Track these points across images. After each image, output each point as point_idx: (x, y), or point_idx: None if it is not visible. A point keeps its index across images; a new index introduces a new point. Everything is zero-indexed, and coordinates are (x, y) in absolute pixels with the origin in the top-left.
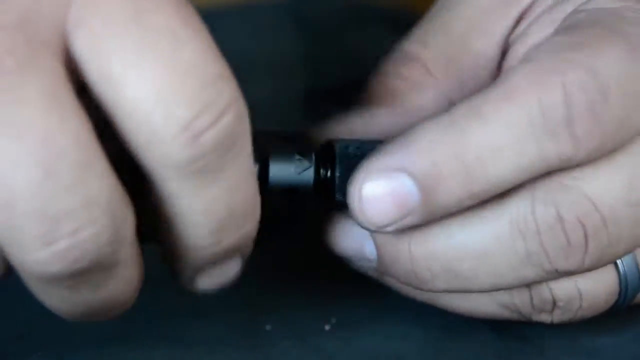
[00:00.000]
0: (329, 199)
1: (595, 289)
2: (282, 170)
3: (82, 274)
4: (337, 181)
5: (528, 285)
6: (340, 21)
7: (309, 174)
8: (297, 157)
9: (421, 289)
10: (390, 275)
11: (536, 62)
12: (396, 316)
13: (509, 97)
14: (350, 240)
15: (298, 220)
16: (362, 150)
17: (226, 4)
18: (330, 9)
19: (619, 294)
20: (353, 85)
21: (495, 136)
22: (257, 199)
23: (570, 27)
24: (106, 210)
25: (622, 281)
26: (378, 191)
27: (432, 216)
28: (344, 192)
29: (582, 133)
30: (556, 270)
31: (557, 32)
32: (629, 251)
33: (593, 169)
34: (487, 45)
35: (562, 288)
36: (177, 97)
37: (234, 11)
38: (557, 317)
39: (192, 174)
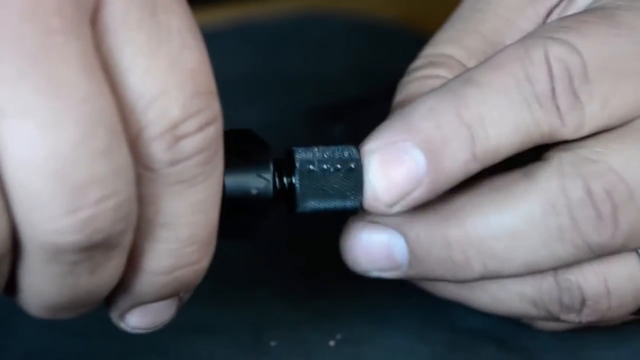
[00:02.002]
0: (292, 210)
1: (625, 287)
2: (239, 187)
3: (92, 249)
4: (297, 192)
5: (557, 279)
6: (344, 39)
7: (268, 186)
8: (254, 173)
9: (456, 280)
10: (422, 274)
11: (523, 39)
12: (401, 331)
13: (497, 66)
14: (377, 247)
15: (263, 235)
16: (323, 158)
17: (229, 22)
18: (333, 27)
19: None
20: (358, 103)
21: (490, 98)
22: (215, 232)
23: (567, 15)
24: (130, 182)
25: None
26: (385, 164)
27: (440, 185)
28: (305, 203)
29: (565, 107)
30: (588, 245)
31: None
32: None
33: (617, 143)
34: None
35: (591, 286)
36: (175, 96)
37: (237, 30)
38: (585, 317)
39: (170, 177)
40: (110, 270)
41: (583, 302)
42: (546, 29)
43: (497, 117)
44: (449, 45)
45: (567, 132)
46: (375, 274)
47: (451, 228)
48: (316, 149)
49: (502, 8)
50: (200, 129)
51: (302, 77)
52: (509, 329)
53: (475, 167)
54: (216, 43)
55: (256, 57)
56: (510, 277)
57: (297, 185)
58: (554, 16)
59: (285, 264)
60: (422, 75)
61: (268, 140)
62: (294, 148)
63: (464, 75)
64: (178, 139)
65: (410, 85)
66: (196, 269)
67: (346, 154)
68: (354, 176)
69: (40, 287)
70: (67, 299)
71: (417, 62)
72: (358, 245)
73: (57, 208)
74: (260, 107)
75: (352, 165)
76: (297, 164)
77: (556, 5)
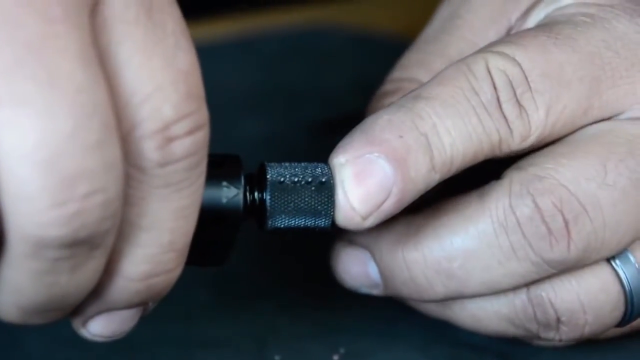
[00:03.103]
0: (262, 225)
1: (598, 300)
2: (210, 198)
3: (75, 246)
4: (268, 207)
5: (529, 296)
6: (346, 53)
7: (237, 200)
8: (225, 182)
9: (423, 300)
10: (394, 293)
11: (466, 57)
12: (404, 345)
13: (443, 81)
14: (355, 266)
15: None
16: (295, 174)
17: (232, 36)
18: (336, 41)
19: (625, 306)
20: (361, 116)
21: (440, 110)
22: (188, 243)
23: (514, 33)
24: (119, 179)
25: (628, 292)
26: (356, 175)
27: (407, 194)
28: (275, 218)
29: (511, 116)
30: (543, 261)
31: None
32: (622, 242)
33: (567, 158)
34: None
35: (563, 300)
36: (169, 95)
37: (240, 44)
38: (564, 334)
39: (157, 179)
40: (90, 271)
41: (558, 319)
42: (486, 45)
43: (450, 126)
44: (416, 69)
45: (515, 142)
46: (364, 290)
47: (409, 250)
48: (288, 165)
49: (467, 30)
50: (191, 132)
51: (304, 90)
52: (511, 344)
53: (435, 178)
54: (219, 56)
55: (259, 71)
56: (474, 296)
57: (268, 200)
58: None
59: (289, 278)
60: (390, 102)
61: (270, 153)
62: (266, 163)
63: (413, 93)
64: (169, 140)
65: (377, 105)
66: (169, 278)
67: (318, 170)
68: (326, 191)
69: (18, 284)
70: (44, 299)
71: (385, 87)
72: (340, 264)
73: (44, 200)
74: (263, 120)
75: (324, 180)
76: (269, 179)
77: (513, 26)
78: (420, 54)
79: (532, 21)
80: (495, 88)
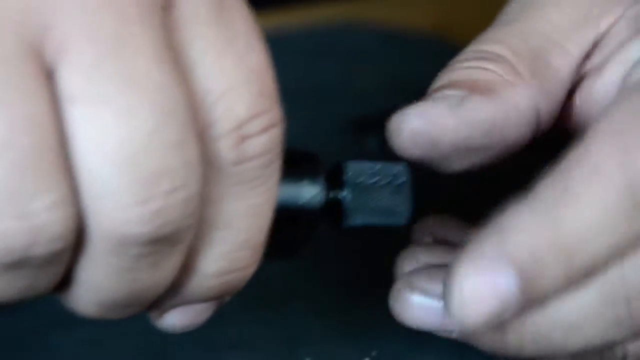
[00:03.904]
0: (338, 223)
1: None
2: (289, 196)
3: (158, 243)
4: (346, 205)
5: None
6: (376, 50)
7: (317, 199)
8: (305, 182)
9: (505, 355)
10: (471, 342)
11: (617, 135)
12: (437, 349)
13: (597, 174)
14: (430, 317)
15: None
16: (373, 173)
17: (261, 34)
18: (366, 38)
19: None
20: (392, 115)
21: (591, 217)
22: (264, 240)
23: None
24: (199, 177)
25: None
26: (479, 289)
27: (527, 309)
28: (352, 218)
29: None
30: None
31: (631, 93)
32: None
33: None
34: (564, 64)
35: (635, 345)
36: (241, 94)
37: (270, 42)
38: None
39: (232, 177)
40: (169, 267)
41: (624, 357)
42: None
43: (597, 239)
44: (498, 46)
45: None
46: (427, 329)
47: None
48: (365, 163)
49: (549, 24)
50: (265, 130)
51: (335, 88)
52: None
53: (565, 287)
54: None
55: (289, 69)
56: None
57: (346, 199)
58: (602, 50)
59: (320, 279)
60: (469, 65)
61: None
62: (345, 162)
63: (561, 182)
64: (243, 138)
65: (456, 73)
66: (244, 274)
67: (396, 169)
68: (403, 192)
69: (99, 281)
70: (123, 295)
71: (463, 56)
72: (408, 313)
73: (127, 197)
74: (294, 119)
75: (402, 182)
76: (347, 178)
77: (605, 34)
78: (498, 33)
79: (636, 49)
80: None
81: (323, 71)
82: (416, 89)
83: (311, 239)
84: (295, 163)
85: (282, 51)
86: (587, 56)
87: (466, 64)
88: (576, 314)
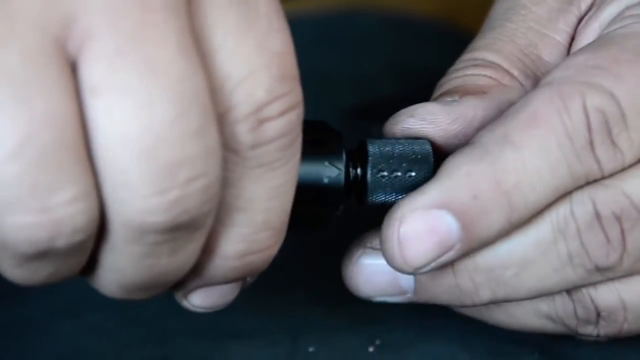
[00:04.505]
0: (361, 201)
1: (639, 300)
2: (311, 176)
3: (176, 230)
4: (369, 183)
5: (570, 294)
6: (379, 36)
7: (340, 177)
8: (327, 162)
9: (462, 305)
10: (427, 300)
11: (558, 85)
12: (441, 338)
13: (535, 122)
14: (381, 275)
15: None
16: (395, 151)
17: None
18: (369, 23)
19: None
20: (396, 101)
21: (530, 161)
22: (287, 219)
23: (597, 46)
24: (218, 163)
25: None
26: (418, 231)
27: (471, 250)
28: (375, 195)
29: (605, 159)
30: (597, 269)
31: (584, 49)
32: None
33: (635, 169)
34: (553, 52)
35: (605, 298)
36: (262, 78)
37: None
38: (602, 329)
39: (251, 160)
40: (189, 252)
41: (598, 314)
42: (580, 70)
43: (536, 182)
44: (485, 52)
45: (604, 176)
46: (379, 299)
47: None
48: (387, 140)
49: (532, 21)
50: (283, 113)
51: (338, 75)
52: (550, 337)
53: (508, 230)
54: None
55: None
56: (519, 301)
57: (369, 177)
58: (584, 26)
59: (323, 268)
60: (464, 74)
61: None
62: (367, 139)
63: (499, 131)
64: (262, 121)
65: (452, 81)
66: (266, 255)
67: (416, 146)
68: (425, 167)
69: (121, 266)
70: (145, 279)
71: (457, 65)
72: (360, 272)
73: (146, 187)
74: None
75: (423, 158)
76: (370, 155)
77: (584, 15)
78: (488, 39)
79: (608, 14)
80: (590, 130)
81: (326, 57)
82: (420, 75)
83: (336, 215)
84: (318, 142)
85: None
86: (573, 38)
87: (461, 73)
88: (528, 249)
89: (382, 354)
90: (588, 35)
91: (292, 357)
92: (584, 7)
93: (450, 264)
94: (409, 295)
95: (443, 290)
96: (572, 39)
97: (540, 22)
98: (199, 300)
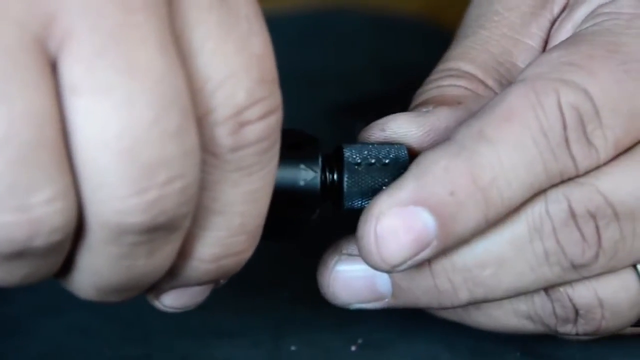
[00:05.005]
0: (338, 206)
1: (616, 297)
2: (287, 180)
3: (154, 231)
4: (345, 188)
5: (548, 293)
6: (364, 34)
7: (315, 182)
8: (302, 165)
9: (441, 307)
10: (406, 303)
11: (532, 82)
12: (424, 338)
13: (509, 117)
14: (358, 280)
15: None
16: (371, 156)
17: None
18: (354, 21)
19: None
20: (380, 98)
21: (506, 157)
22: (263, 223)
23: (571, 43)
24: (196, 165)
25: None
26: (395, 228)
27: (448, 247)
28: (352, 199)
29: (580, 156)
30: (573, 266)
31: (557, 47)
32: None
33: (610, 166)
34: (528, 58)
35: (582, 296)
36: (242, 81)
37: None
38: (581, 327)
39: (229, 163)
40: (166, 254)
41: (576, 312)
42: (554, 67)
43: (512, 178)
44: (459, 61)
45: (579, 174)
46: (357, 306)
47: (435, 259)
48: (363, 146)
49: (506, 27)
50: (263, 117)
51: (323, 72)
52: (533, 336)
53: (484, 228)
54: None
55: (277, 53)
56: (498, 301)
57: (345, 182)
58: (558, 28)
59: (306, 268)
60: (439, 84)
61: None
62: (343, 144)
63: (475, 127)
64: (242, 125)
65: (429, 92)
66: (240, 259)
67: (394, 152)
68: (401, 172)
69: (97, 267)
70: (122, 280)
71: (433, 76)
72: (337, 280)
73: (124, 188)
74: (284, 102)
75: (400, 163)
76: (346, 160)
77: (557, 18)
78: (462, 48)
79: (581, 14)
80: (565, 127)
81: (310, 55)
82: (404, 72)
83: (312, 221)
84: (294, 146)
85: (270, 35)
86: (547, 41)
87: (436, 84)
88: (505, 247)
89: (364, 353)
90: (561, 37)
91: (274, 356)
92: (556, 9)
93: (427, 264)
94: (387, 300)
95: (422, 292)
96: (546, 42)
97: (514, 28)
98: (170, 300)
